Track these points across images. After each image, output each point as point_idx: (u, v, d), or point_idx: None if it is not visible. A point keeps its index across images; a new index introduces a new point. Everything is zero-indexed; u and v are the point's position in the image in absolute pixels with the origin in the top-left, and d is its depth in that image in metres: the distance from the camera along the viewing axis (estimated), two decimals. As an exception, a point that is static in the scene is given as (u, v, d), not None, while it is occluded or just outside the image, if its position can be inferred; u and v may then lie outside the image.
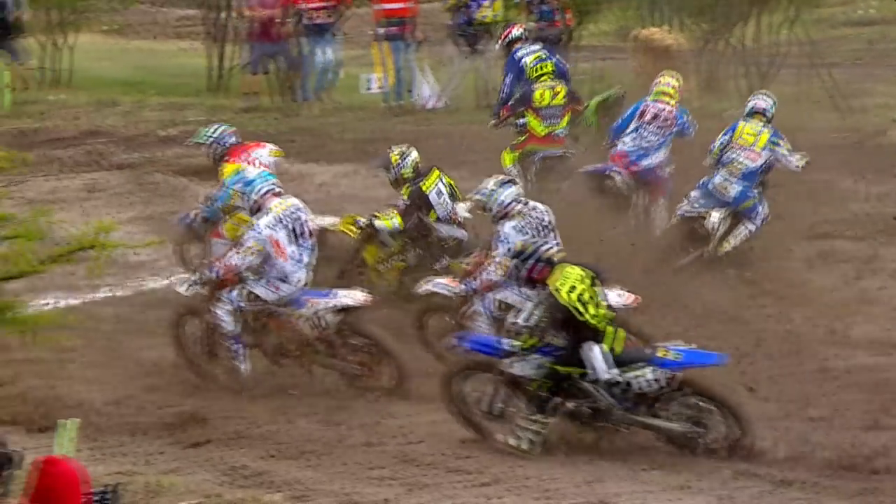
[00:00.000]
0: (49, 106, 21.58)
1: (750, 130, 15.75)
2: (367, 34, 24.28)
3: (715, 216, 15.62)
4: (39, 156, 18.66)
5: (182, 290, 13.01)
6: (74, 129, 20.54)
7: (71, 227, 12.40)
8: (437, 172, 14.61)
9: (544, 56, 17.39)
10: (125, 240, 13.12)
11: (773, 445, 11.61)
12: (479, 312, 13.08)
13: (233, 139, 15.08)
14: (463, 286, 13.19)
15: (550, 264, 11.54)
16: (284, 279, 12.79)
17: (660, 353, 11.39)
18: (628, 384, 11.38)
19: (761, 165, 15.67)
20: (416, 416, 12.27)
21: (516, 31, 17.96)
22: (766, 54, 24.08)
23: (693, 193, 15.79)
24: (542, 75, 16.99)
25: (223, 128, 15.33)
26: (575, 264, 11.62)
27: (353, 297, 12.78)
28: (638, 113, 16.40)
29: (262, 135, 20.31)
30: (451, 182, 14.55)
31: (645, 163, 16.23)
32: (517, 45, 17.60)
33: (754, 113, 15.96)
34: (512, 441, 11.53)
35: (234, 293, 12.79)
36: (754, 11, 25.84)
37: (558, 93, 16.85)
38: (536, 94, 16.81)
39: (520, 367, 11.54)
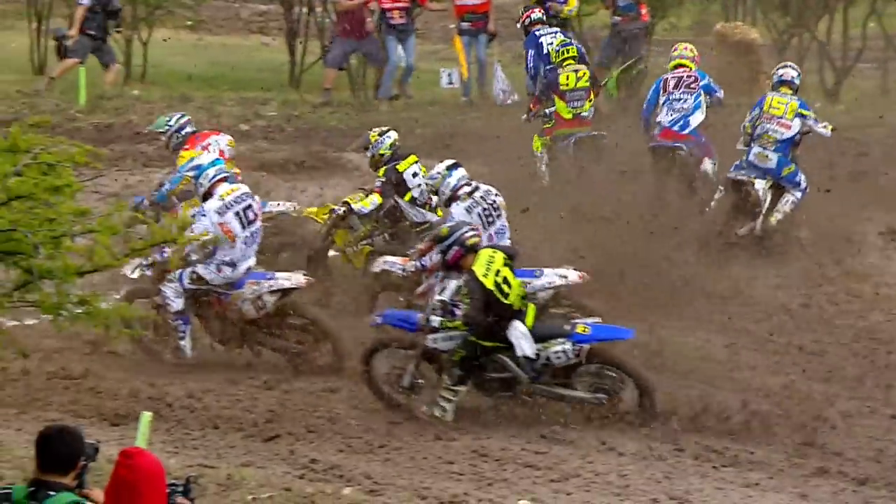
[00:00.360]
0: (125, 101, 21.81)
1: (778, 102, 16.13)
2: (444, 29, 24.41)
3: (759, 185, 15.99)
4: (116, 151, 18.92)
5: (130, 272, 13.43)
6: (151, 124, 20.74)
7: (149, 221, 12.63)
8: (414, 157, 15.03)
9: (567, 41, 18.12)
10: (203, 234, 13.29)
11: (849, 443, 11.63)
12: (431, 291, 13.24)
13: (190, 128, 15.55)
14: (414, 265, 13.52)
15: (471, 250, 12.15)
16: (231, 263, 13.28)
17: (578, 329, 12.08)
18: (548, 358, 12.04)
19: (794, 134, 16.04)
20: (487, 411, 12.37)
21: (536, 14, 18.99)
22: (847, 48, 23.94)
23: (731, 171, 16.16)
24: (566, 59, 17.48)
25: (181, 117, 15.82)
26: (492, 247, 12.34)
27: (291, 279, 13.28)
28: (661, 87, 16.91)
29: (337, 130, 20.59)
30: (424, 170, 14.81)
31: (688, 130, 16.61)
32: (537, 27, 18.67)
33: (781, 84, 16.38)
34: (436, 412, 12.14)
35: (181, 274, 13.22)
36: (839, 5, 25.73)
37: (581, 76, 17.38)
38: (562, 79, 17.35)
39: (443, 343, 12.15)
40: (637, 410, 12.08)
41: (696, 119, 16.74)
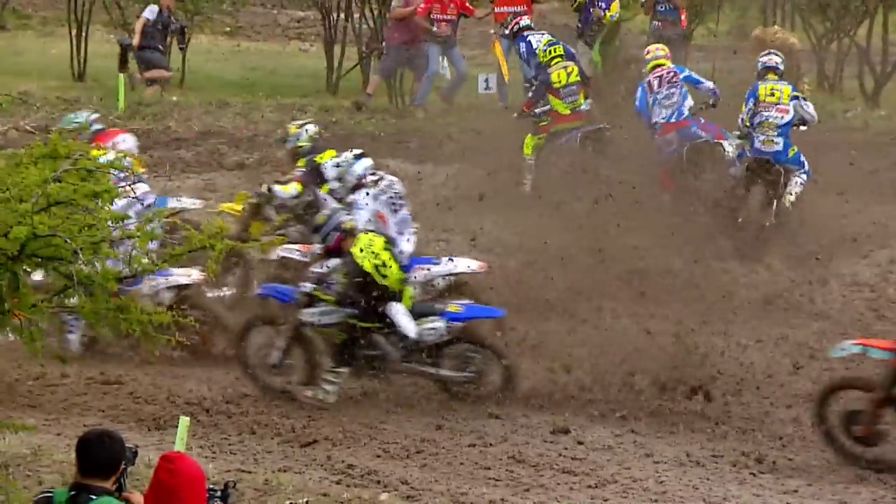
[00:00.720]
0: (163, 108, 21.92)
1: (772, 89, 16.67)
2: (481, 35, 24.42)
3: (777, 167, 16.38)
4: (155, 157, 19.02)
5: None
6: (189, 131, 20.85)
7: (188, 227, 12.70)
8: (333, 152, 15.29)
9: (553, 40, 18.70)
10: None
11: (888, 450, 11.59)
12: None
13: (98, 126, 15.65)
14: (314, 252, 13.66)
15: (350, 233, 12.64)
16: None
17: (450, 308, 12.64)
18: (419, 335, 12.54)
19: (792, 118, 16.54)
20: (524, 417, 12.39)
21: (524, 21, 19.44)
22: (887, 53, 23.85)
23: (733, 170, 16.64)
24: (554, 58, 18.17)
25: (89, 115, 16.13)
26: (372, 232, 12.82)
27: (187, 274, 13.57)
28: (647, 89, 17.46)
29: (374, 136, 20.63)
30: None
31: (684, 116, 17.18)
32: (525, 33, 19.02)
33: (767, 70, 16.99)
34: (319, 395, 12.56)
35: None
36: (879, 9, 25.60)
37: (571, 71, 18.06)
38: (553, 76, 18.03)
39: (319, 317, 12.64)
40: (500, 389, 12.62)
41: (687, 105, 17.28)
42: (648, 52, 18.12)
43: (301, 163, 15.22)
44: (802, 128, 16.89)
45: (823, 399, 11.80)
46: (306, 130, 15.62)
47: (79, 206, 8.43)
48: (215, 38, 27.91)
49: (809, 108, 16.87)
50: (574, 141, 17.72)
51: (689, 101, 17.32)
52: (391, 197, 14.11)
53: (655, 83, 17.43)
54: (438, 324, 12.58)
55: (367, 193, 14.06)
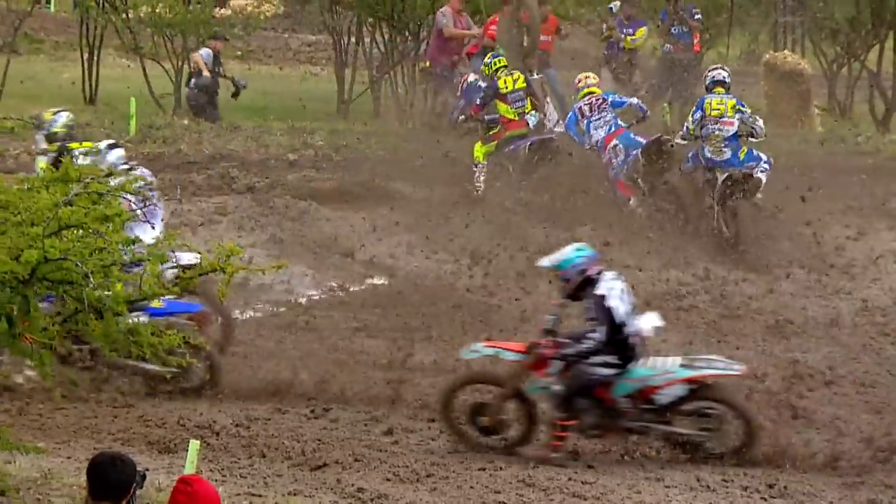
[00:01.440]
0: (174, 131, 22.00)
1: (718, 103, 17.55)
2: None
3: (721, 177, 17.28)
4: (166, 180, 19.06)
5: None
6: (200, 154, 20.90)
7: (198, 251, 12.73)
8: (89, 143, 15.62)
9: (497, 52, 20.06)
10: (251, 263, 13.35)
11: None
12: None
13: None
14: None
15: None
16: None
17: (153, 304, 11.84)
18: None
19: (736, 130, 17.35)
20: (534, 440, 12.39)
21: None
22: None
23: (686, 166, 17.75)
24: (499, 68, 19.20)
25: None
26: None
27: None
28: (579, 115, 18.57)
29: (384, 159, 20.64)
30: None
31: (619, 126, 18.29)
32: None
33: (715, 84, 17.82)
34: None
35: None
36: (890, 34, 25.61)
37: (517, 79, 19.10)
38: (500, 83, 19.03)
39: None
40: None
41: (618, 121, 18.33)
42: (580, 81, 19.05)
43: (52, 147, 15.48)
44: (752, 139, 17.62)
45: (451, 392, 12.36)
46: (61, 117, 15.88)
47: (90, 230, 8.46)
48: (227, 62, 27.95)
49: (758, 122, 17.59)
50: (523, 149, 18.61)
51: (620, 121, 18.35)
52: (141, 188, 14.23)
53: (586, 109, 18.46)
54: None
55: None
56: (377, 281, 15.69)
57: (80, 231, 8.47)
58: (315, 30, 31.81)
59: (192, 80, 23.48)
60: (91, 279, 8.29)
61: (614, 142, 18.02)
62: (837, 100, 25.11)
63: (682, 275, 16.04)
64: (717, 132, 17.35)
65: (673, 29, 22.71)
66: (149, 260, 8.77)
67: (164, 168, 19.91)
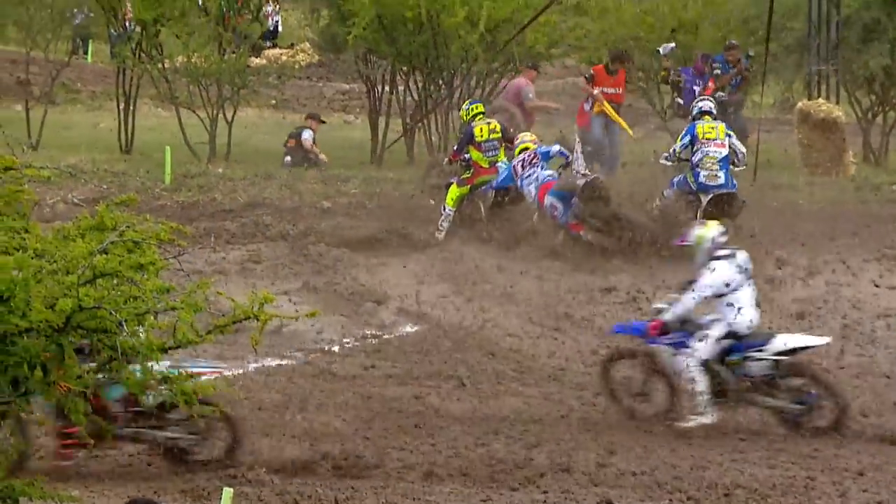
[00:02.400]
0: (208, 180, 22.11)
1: (710, 127, 18.52)
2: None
3: (705, 200, 18.16)
4: (201, 228, 19.14)
5: None
6: (234, 202, 21.00)
7: (232, 298, 12.76)
8: None
9: (475, 100, 20.88)
10: (285, 311, 13.36)
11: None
12: None
13: None
14: None
15: None
16: None
17: None
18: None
19: (728, 153, 18.36)
20: (567, 492, 12.34)
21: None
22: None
23: (668, 192, 18.52)
24: (476, 115, 19.85)
25: None
26: None
27: None
28: (514, 172, 19.07)
29: (420, 207, 20.69)
30: None
31: (547, 179, 18.82)
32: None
33: (703, 114, 18.81)
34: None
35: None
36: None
37: (493, 129, 19.66)
38: (476, 131, 19.59)
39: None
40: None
41: (546, 172, 18.90)
42: (518, 138, 19.64)
43: None
44: (735, 168, 18.71)
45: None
46: None
47: (124, 278, 8.51)
48: (261, 111, 28.14)
49: (742, 148, 18.72)
50: (489, 192, 19.21)
51: (546, 172, 18.86)
52: None
53: (519, 167, 18.99)
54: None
55: None
56: (409, 328, 15.69)
57: (115, 279, 8.51)
58: (349, 78, 32.03)
59: (289, 158, 23.78)
60: (125, 327, 8.34)
61: (547, 199, 18.49)
62: (872, 148, 25.07)
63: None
64: (711, 154, 18.27)
65: (715, 65, 23.24)
66: (182, 308, 8.80)
67: (198, 216, 20.02)
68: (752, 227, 19.53)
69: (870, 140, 24.92)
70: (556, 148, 19.20)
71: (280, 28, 37.88)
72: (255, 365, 14.24)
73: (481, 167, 19.48)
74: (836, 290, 16.67)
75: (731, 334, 13.19)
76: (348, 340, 16.19)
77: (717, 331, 13.24)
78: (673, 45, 23.97)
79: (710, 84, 23.47)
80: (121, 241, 8.63)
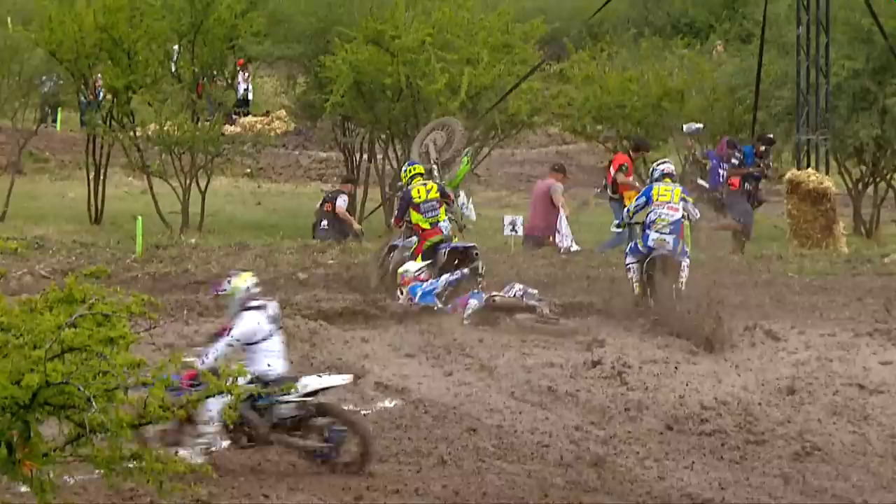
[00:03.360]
0: (181, 251, 22.09)
1: (665, 189, 19.05)
2: (506, 176, 24.68)
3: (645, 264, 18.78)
4: (173, 301, 19.09)
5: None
6: (208, 273, 20.96)
7: (204, 372, 12.69)
8: None
9: (413, 162, 20.95)
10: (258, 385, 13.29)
11: None
12: None
13: None
14: None
15: None
16: None
17: None
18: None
19: (681, 216, 18.92)
20: None
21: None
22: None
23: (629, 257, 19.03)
24: (414, 176, 20.23)
25: None
26: None
27: None
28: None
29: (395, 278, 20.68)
30: None
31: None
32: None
33: (664, 176, 19.31)
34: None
35: None
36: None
37: (430, 189, 20.08)
38: (414, 193, 20.05)
39: None
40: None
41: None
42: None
43: None
44: (685, 221, 19.27)
45: None
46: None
47: (93, 352, 8.46)
48: (235, 180, 28.21)
49: (696, 211, 19.28)
50: (443, 253, 19.60)
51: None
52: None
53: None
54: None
55: None
56: (388, 403, 15.61)
57: (84, 354, 8.47)
58: (326, 147, 32.14)
59: (325, 223, 23.77)
60: (94, 403, 8.29)
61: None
62: (863, 219, 25.19)
63: (705, 398, 15.94)
64: (663, 216, 18.77)
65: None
66: (154, 383, 8.76)
67: (171, 288, 19.97)
68: (740, 299, 19.59)
69: (860, 211, 25.03)
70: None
71: (251, 96, 37.58)
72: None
73: (424, 229, 19.82)
74: (828, 365, 16.63)
75: (258, 380, 13.46)
76: (325, 416, 16.10)
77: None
78: (700, 125, 24.22)
79: (734, 179, 23.85)
80: (90, 314, 8.60)
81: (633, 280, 18.87)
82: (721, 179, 23.71)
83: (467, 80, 24.34)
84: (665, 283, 18.37)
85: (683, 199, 18.97)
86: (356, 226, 24.06)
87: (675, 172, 19.73)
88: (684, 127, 24.53)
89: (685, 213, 18.85)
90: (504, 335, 17.77)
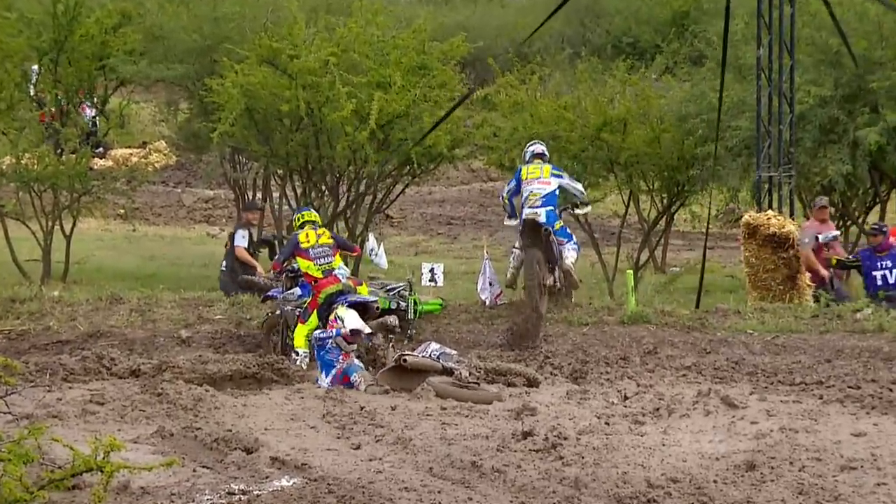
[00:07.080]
0: (41, 305, 21.96)
1: (533, 168, 21.91)
2: (422, 217, 24.73)
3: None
4: (32, 363, 18.95)
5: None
6: (73, 331, 20.84)
7: (70, 446, 12.62)
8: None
9: (307, 208, 21.96)
10: (135, 461, 13.24)
11: None
12: None
13: None
14: None
15: None
16: None
17: None
18: None
19: (555, 190, 21.71)
20: None
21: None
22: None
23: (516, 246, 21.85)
24: (304, 223, 20.77)
25: None
26: None
27: None
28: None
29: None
30: None
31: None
32: None
33: (534, 157, 22.18)
34: None
35: None
36: (894, 193, 26.00)
37: (322, 234, 20.66)
38: (301, 237, 20.57)
39: None
40: None
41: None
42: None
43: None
44: (579, 211, 23.06)
45: None
46: None
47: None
48: (106, 223, 28.11)
49: (577, 185, 22.37)
50: (344, 303, 19.77)
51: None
52: None
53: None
54: None
55: None
56: (286, 482, 15.56)
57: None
58: (213, 183, 32.09)
59: (223, 264, 23.71)
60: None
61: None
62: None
63: (652, 475, 16.04)
64: (534, 191, 21.49)
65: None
66: (10, 459, 8.70)
67: (29, 349, 19.86)
68: (692, 360, 19.71)
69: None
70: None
71: (98, 127, 33.03)
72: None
73: (317, 279, 20.24)
74: (793, 437, 16.76)
75: None
76: (210, 497, 16.06)
77: None
78: (836, 233, 24.57)
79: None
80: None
81: (511, 265, 21.94)
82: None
83: (378, 106, 24.38)
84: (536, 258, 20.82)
85: (556, 175, 21.83)
86: (260, 270, 23.91)
87: (545, 152, 22.51)
88: (819, 236, 24.39)
89: (571, 194, 21.90)
90: (421, 402, 17.80)
